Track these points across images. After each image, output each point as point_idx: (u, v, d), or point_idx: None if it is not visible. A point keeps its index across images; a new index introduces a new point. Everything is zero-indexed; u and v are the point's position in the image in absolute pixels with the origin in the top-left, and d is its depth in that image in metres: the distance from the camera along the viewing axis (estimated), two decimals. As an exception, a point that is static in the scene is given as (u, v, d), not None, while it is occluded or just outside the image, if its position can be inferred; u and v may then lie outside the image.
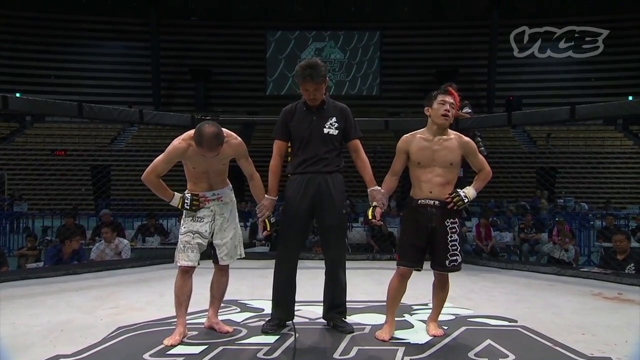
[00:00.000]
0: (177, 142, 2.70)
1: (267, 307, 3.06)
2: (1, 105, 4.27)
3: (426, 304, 3.33)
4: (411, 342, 2.69)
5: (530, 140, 21.26)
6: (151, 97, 23.47)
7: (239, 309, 3.39)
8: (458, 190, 2.73)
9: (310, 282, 3.59)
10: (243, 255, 2.94)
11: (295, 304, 2.99)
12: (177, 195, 2.77)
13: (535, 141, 21.05)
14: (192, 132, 2.68)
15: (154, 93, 23.49)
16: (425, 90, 24.83)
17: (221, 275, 2.91)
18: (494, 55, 22.89)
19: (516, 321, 3.15)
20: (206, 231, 2.75)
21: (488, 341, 2.72)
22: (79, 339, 2.72)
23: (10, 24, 23.21)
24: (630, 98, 23.62)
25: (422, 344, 2.67)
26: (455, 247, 2.73)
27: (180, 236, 2.76)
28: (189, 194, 2.75)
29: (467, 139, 2.82)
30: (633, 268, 5.10)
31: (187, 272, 2.72)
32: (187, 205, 2.74)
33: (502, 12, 22.81)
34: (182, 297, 2.71)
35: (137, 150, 18.02)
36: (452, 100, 2.73)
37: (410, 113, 22.40)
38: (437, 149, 2.73)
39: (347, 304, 3.00)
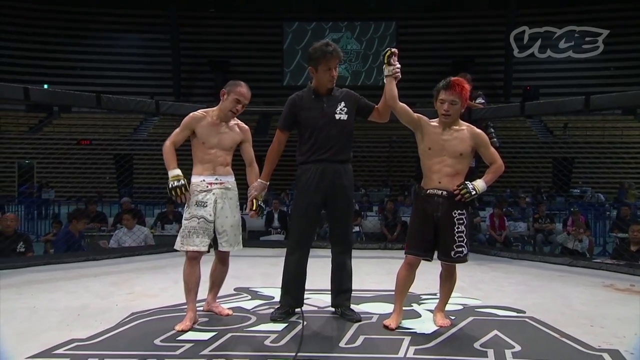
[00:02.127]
0: (193, 112, 2.83)
1: (278, 295, 3.04)
2: (23, 97, 4.33)
3: (435, 294, 3.27)
4: (417, 332, 2.66)
5: (547, 130, 20.87)
6: (171, 88, 23.64)
7: (249, 297, 3.41)
8: (467, 182, 2.68)
9: (321, 270, 3.54)
10: (241, 247, 2.90)
11: (305, 292, 2.98)
12: (178, 171, 2.71)
13: (552, 131, 20.65)
14: (210, 109, 2.88)
15: (174, 84, 23.66)
16: (437, 81, 24.69)
17: (222, 264, 2.92)
18: (511, 44, 22.38)
19: (524, 312, 3.10)
20: (210, 215, 2.73)
21: (495, 332, 2.68)
22: (94, 324, 2.76)
23: (38, 17, 23.57)
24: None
25: (428, 334, 2.64)
26: (462, 239, 2.69)
27: (184, 222, 2.74)
28: (184, 180, 2.71)
29: (478, 130, 2.76)
30: (647, 260, 4.99)
31: (194, 259, 2.72)
32: (172, 185, 2.66)
33: (519, 0, 22.28)
34: (191, 284, 2.72)
35: (158, 140, 18.17)
36: (453, 97, 2.65)
37: (426, 103, 22.22)
38: (448, 138, 2.69)
39: (356, 292, 3.00)
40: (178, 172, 2.71)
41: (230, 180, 2.86)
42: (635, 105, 10.34)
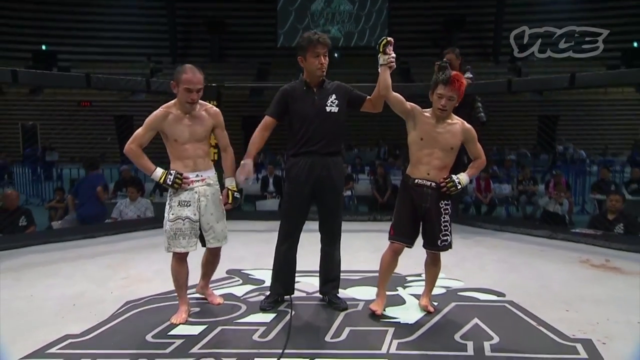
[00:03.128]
0: (155, 111, 2.59)
1: (268, 278, 2.98)
2: (11, 80, 4.12)
3: (420, 275, 3.26)
4: (401, 322, 2.64)
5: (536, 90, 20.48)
6: (168, 49, 22.88)
7: (240, 281, 3.37)
8: (453, 176, 2.62)
9: (313, 248, 3.41)
10: (227, 241, 2.78)
11: (297, 274, 2.93)
12: (160, 169, 2.58)
13: (541, 92, 20.27)
14: (172, 101, 2.61)
15: (171, 45, 22.86)
16: (433, 39, 24.03)
17: (213, 256, 2.82)
18: (503, 3, 21.66)
19: (504, 295, 3.09)
20: (195, 214, 2.60)
21: (475, 320, 2.66)
22: (89, 316, 2.72)
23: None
24: (635, 44, 22.46)
25: (411, 324, 2.61)
26: (447, 228, 2.67)
27: (168, 223, 2.59)
28: (174, 171, 2.57)
29: (469, 126, 2.66)
30: (622, 228, 4.98)
31: (182, 258, 2.63)
32: (170, 181, 2.53)
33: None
34: (182, 280, 2.66)
35: (156, 102, 17.73)
36: (452, 94, 2.52)
37: (419, 62, 21.67)
38: (441, 132, 2.60)
39: (345, 274, 2.99)
40: (160, 170, 2.58)
41: (211, 175, 2.70)
42: (620, 84, 10.08)
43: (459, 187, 2.60)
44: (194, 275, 2.85)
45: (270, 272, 2.94)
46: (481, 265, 3.81)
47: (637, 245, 4.17)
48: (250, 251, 4.13)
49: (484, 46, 23.02)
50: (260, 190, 8.81)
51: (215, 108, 2.73)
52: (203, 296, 2.95)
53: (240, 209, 6.51)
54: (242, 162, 2.66)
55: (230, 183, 2.73)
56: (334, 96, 2.75)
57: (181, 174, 2.56)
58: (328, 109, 2.72)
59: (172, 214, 2.58)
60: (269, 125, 2.77)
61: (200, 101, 2.62)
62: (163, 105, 2.61)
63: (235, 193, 2.72)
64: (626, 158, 16.76)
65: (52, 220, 6.76)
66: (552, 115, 18.17)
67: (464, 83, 2.57)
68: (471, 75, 5.08)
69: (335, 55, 22.10)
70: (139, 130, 2.58)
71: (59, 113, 17.74)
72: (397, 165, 10.75)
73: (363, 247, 4.28)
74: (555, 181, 8.29)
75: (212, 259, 2.83)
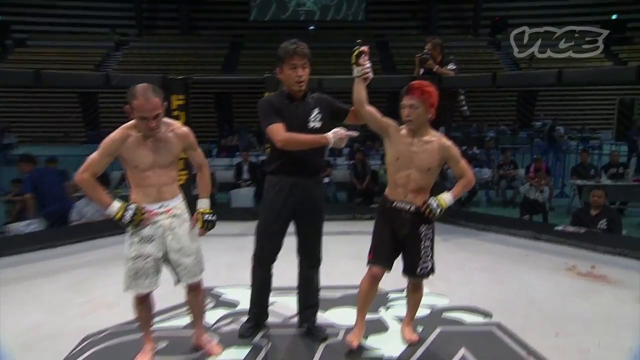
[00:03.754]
0: (112, 133, 2.26)
1: (243, 298, 2.80)
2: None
3: (402, 290, 3.13)
4: (384, 357, 2.51)
5: (514, 64, 20.47)
6: (134, 20, 21.90)
7: (213, 303, 3.19)
8: (431, 201, 2.41)
9: (288, 257, 3.19)
10: (204, 270, 2.51)
11: (272, 291, 2.78)
12: (117, 203, 2.25)
13: (518, 64, 20.28)
14: (131, 122, 2.27)
15: (137, 15, 21.89)
16: (412, 12, 23.63)
17: (195, 295, 2.52)
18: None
19: (491, 315, 3.00)
20: (160, 251, 2.34)
21: (462, 351, 2.56)
22: (44, 355, 2.51)
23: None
24: (615, 16, 22.55)
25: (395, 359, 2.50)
26: (428, 254, 2.52)
27: (129, 262, 2.30)
28: (134, 205, 2.26)
29: (448, 143, 2.45)
30: (605, 224, 4.98)
31: (145, 297, 2.40)
32: (128, 218, 2.22)
33: None
34: (145, 318, 2.44)
35: (128, 71, 17.06)
36: (412, 102, 2.35)
37: (397, 36, 21.34)
38: (417, 151, 2.41)
39: (325, 289, 2.85)
40: (118, 204, 2.26)
41: (178, 204, 2.42)
42: (608, 82, 10.07)
43: (439, 211, 2.41)
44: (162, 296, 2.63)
45: (245, 289, 2.79)
46: (465, 276, 3.73)
47: (621, 247, 4.16)
48: (222, 262, 3.94)
49: (464, 18, 22.80)
50: (234, 177, 8.55)
51: (183, 128, 2.42)
52: (200, 346, 2.60)
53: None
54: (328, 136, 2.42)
55: (202, 205, 2.48)
56: (316, 110, 2.56)
57: (143, 208, 2.29)
58: (311, 124, 2.52)
59: (133, 251, 2.32)
60: (283, 126, 2.46)
61: (166, 120, 2.32)
62: (123, 126, 2.29)
63: (207, 215, 2.46)
64: (611, 135, 16.99)
65: (10, 216, 6.38)
66: (531, 90, 18.22)
67: (430, 91, 2.36)
68: (454, 67, 4.92)
69: (311, 28, 21.58)
70: (94, 155, 2.27)
71: (16, 90, 16.84)
72: (376, 148, 10.61)
73: (343, 252, 4.12)
74: (536, 167, 8.32)
75: (193, 297, 2.53)
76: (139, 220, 2.26)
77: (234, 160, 10.07)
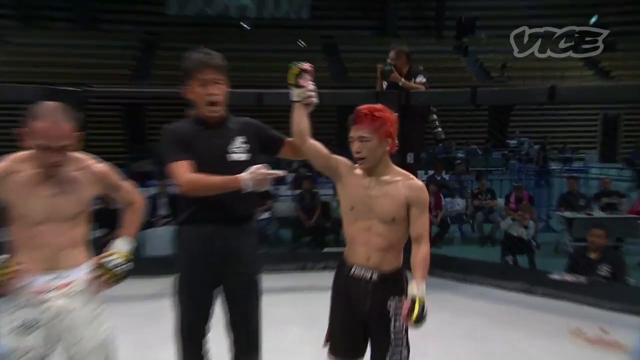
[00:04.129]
0: None
1: None
2: None
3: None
4: None
5: (483, 71, 21.28)
6: (15, 10, 20.80)
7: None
8: (415, 295, 2.02)
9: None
10: None
11: None
12: None
13: (488, 72, 21.09)
14: (25, 153, 1.98)
15: (19, 3, 20.78)
16: (364, 9, 24.22)
17: None
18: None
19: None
20: (47, 344, 2.01)
21: None
22: None
23: None
24: (594, 19, 24.09)
25: None
26: (400, 340, 2.20)
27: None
28: (3, 257, 1.96)
29: (418, 184, 2.20)
30: (608, 270, 4.99)
31: None
32: None
33: None
34: None
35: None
36: (361, 133, 2.12)
37: (347, 37, 21.68)
38: (377, 195, 2.17)
39: None
40: None
41: (81, 276, 2.09)
42: (603, 99, 10.67)
43: (425, 312, 2.02)
44: None
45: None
46: (447, 347, 3.64)
47: (633, 303, 4.13)
48: (131, 338, 3.53)
49: (425, 18, 23.54)
50: (149, 213, 8.08)
51: (99, 166, 2.16)
52: None
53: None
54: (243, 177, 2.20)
55: (116, 246, 2.19)
56: (241, 139, 2.38)
57: (15, 263, 1.94)
58: (233, 156, 2.34)
59: (9, 342, 1.96)
60: (189, 167, 2.26)
61: (75, 155, 2.06)
62: (10, 157, 1.98)
63: (115, 259, 2.12)
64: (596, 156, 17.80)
65: None
66: (504, 105, 18.90)
67: (383, 117, 2.13)
68: (424, 80, 4.91)
69: (245, 26, 21.52)
70: None
71: None
72: (324, 176, 10.48)
73: (292, 318, 3.94)
74: (517, 196, 8.45)
75: None
76: (6, 278, 1.92)
77: (148, 191, 9.67)
